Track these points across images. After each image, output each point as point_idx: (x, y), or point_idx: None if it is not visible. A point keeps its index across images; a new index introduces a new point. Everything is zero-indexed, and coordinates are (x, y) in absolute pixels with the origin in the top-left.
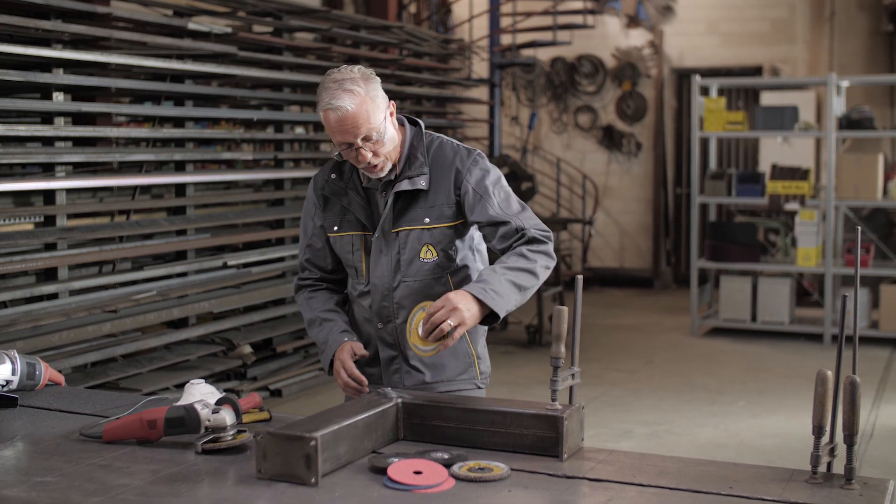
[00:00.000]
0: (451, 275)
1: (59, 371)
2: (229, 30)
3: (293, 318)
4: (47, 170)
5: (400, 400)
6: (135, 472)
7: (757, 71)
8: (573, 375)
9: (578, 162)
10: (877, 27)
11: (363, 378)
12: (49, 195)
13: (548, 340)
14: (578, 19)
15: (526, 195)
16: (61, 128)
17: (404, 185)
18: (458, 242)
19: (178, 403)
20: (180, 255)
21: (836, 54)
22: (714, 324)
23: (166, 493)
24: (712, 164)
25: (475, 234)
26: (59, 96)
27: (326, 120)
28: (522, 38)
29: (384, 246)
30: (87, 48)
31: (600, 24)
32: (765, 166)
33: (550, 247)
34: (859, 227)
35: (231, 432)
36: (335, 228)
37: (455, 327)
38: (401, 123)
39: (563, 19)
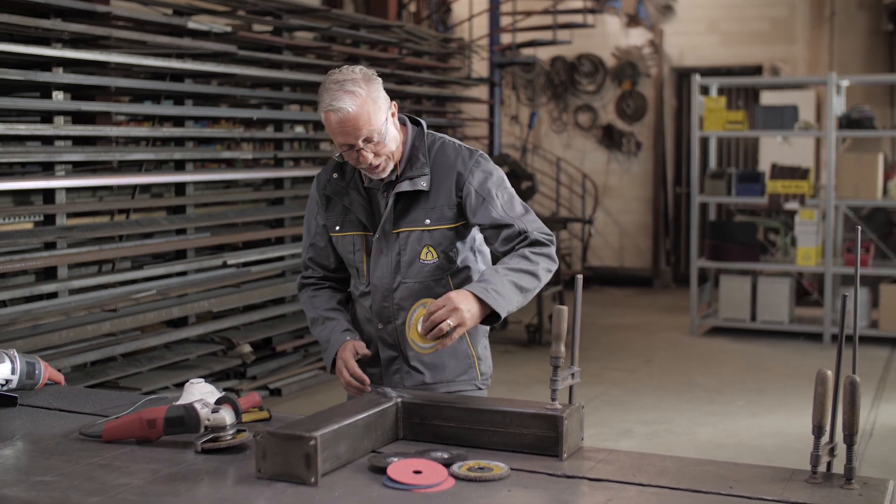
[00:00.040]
0: (452, 276)
1: (59, 370)
2: (229, 29)
3: (293, 318)
4: (47, 169)
5: (399, 399)
6: (134, 472)
7: (757, 70)
8: (573, 375)
9: (578, 161)
10: (877, 26)
11: (365, 377)
12: (49, 194)
13: (547, 340)
14: (578, 18)
15: (526, 194)
16: (61, 127)
17: (405, 186)
18: (458, 244)
19: (178, 403)
20: (180, 255)
21: (836, 53)
22: (714, 323)
23: (166, 492)
24: (712, 163)
25: (477, 235)
26: (58, 95)
27: (327, 121)
28: (522, 37)
29: (384, 247)
30: (87, 47)
31: (600, 23)
32: (765, 166)
33: (553, 250)
34: (859, 227)
35: (231, 432)
36: (337, 228)
37: (454, 328)
38: (402, 123)
39: (562, 18)
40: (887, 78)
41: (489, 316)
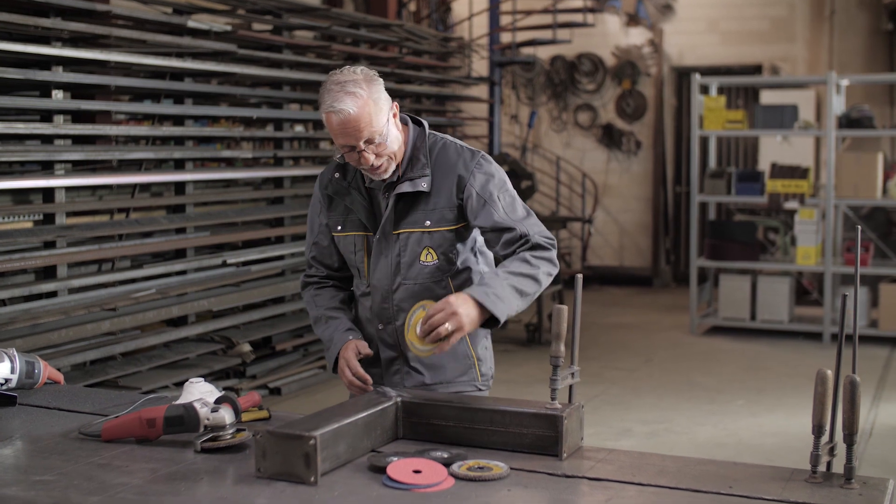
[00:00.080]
0: (452, 278)
1: (58, 369)
2: (229, 28)
3: (292, 317)
4: (46, 168)
5: (399, 399)
6: (134, 471)
7: (757, 69)
8: (573, 374)
9: (578, 160)
10: (877, 26)
11: (368, 377)
12: (48, 193)
13: (547, 339)
14: (578, 17)
15: (525, 193)
16: (60, 126)
17: (405, 187)
18: (458, 246)
19: (178, 402)
20: (180, 254)
21: (836, 53)
22: (713, 322)
23: (165, 491)
24: (712, 162)
25: (478, 236)
26: (58, 94)
27: (329, 122)
28: (522, 36)
29: (384, 248)
30: (87, 46)
31: (600, 22)
32: (764, 165)
33: (554, 254)
34: (859, 226)
35: (230, 431)
36: (339, 228)
37: (452, 332)
38: (404, 123)
39: (562, 17)
40: (887, 77)
41: (489, 320)
